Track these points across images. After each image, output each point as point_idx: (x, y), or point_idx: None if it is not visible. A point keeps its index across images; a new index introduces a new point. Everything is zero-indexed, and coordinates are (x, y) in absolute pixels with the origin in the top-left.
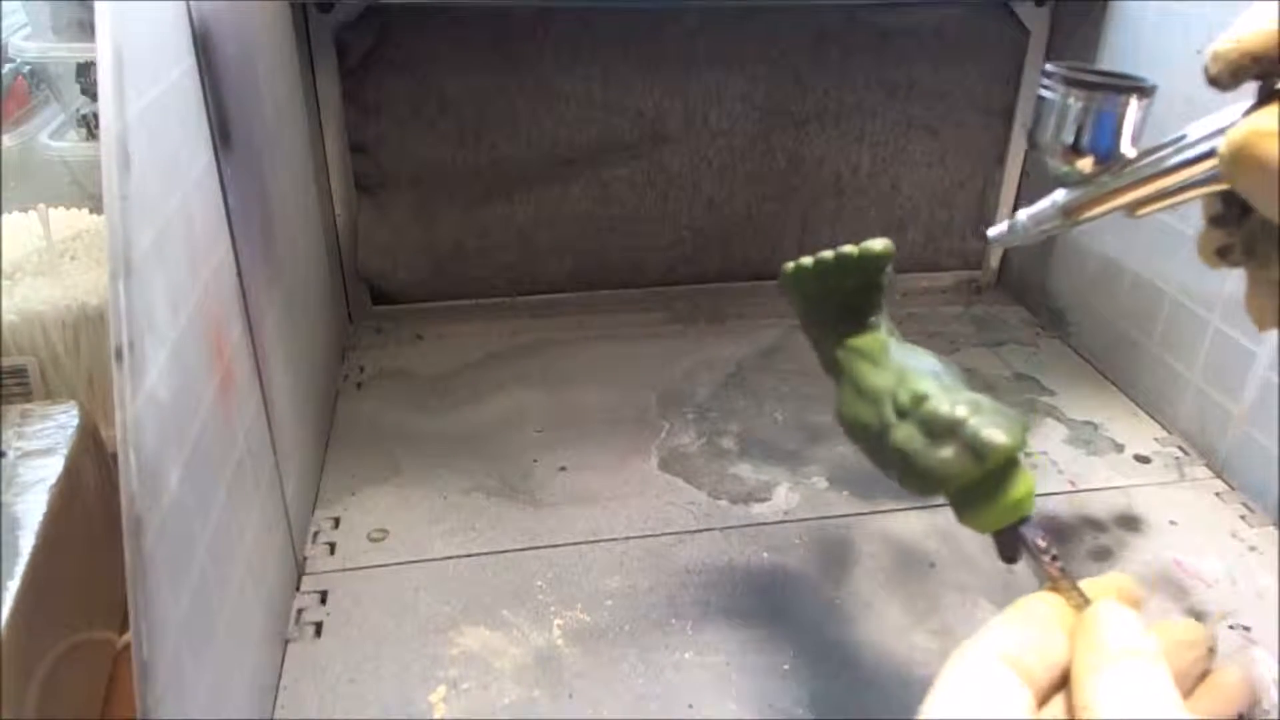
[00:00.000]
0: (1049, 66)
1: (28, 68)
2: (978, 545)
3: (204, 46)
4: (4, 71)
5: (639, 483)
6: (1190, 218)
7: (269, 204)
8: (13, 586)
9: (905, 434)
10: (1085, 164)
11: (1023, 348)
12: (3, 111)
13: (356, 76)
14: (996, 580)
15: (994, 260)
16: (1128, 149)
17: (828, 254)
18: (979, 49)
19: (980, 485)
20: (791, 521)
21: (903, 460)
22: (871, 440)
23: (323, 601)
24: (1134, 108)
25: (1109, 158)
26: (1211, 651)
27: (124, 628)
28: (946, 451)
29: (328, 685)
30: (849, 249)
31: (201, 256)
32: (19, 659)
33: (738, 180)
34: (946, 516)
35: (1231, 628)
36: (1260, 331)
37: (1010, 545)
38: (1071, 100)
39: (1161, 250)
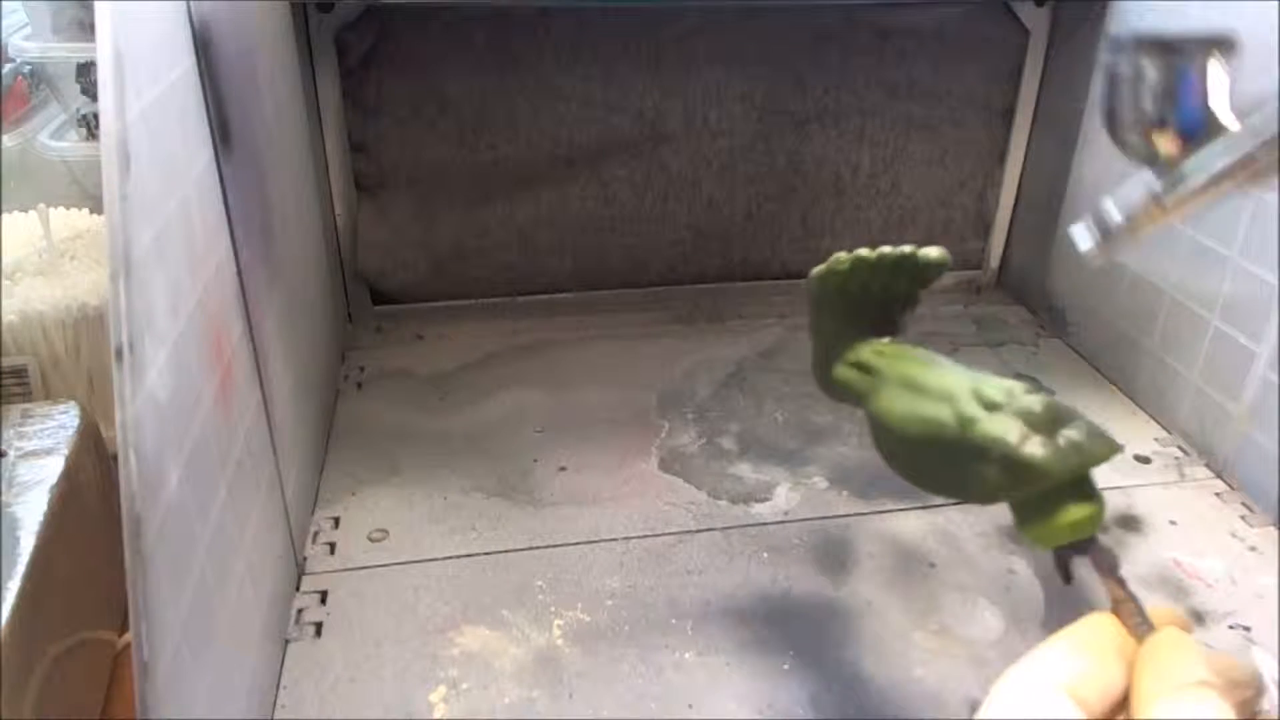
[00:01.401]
0: (1116, 34)
1: (28, 68)
2: (978, 545)
3: (204, 46)
4: (4, 71)
5: (639, 483)
6: (1190, 217)
7: (269, 204)
8: (13, 586)
9: (1002, 425)
10: (1172, 141)
11: (1023, 348)
12: (3, 111)
13: (356, 76)
14: (997, 580)
15: (994, 260)
16: (1225, 116)
17: (868, 254)
18: (979, 49)
19: (1057, 493)
20: (791, 521)
21: (1003, 451)
22: (945, 438)
23: (323, 601)
24: (1217, 67)
25: (1199, 129)
26: (1259, 694)
27: (124, 628)
28: (1050, 443)
29: (328, 685)
30: (899, 251)
31: (201, 256)
32: (19, 659)
33: (738, 180)
34: (947, 516)
35: (1231, 628)
36: None
37: (1067, 565)
38: (1147, 67)
39: (1161, 250)
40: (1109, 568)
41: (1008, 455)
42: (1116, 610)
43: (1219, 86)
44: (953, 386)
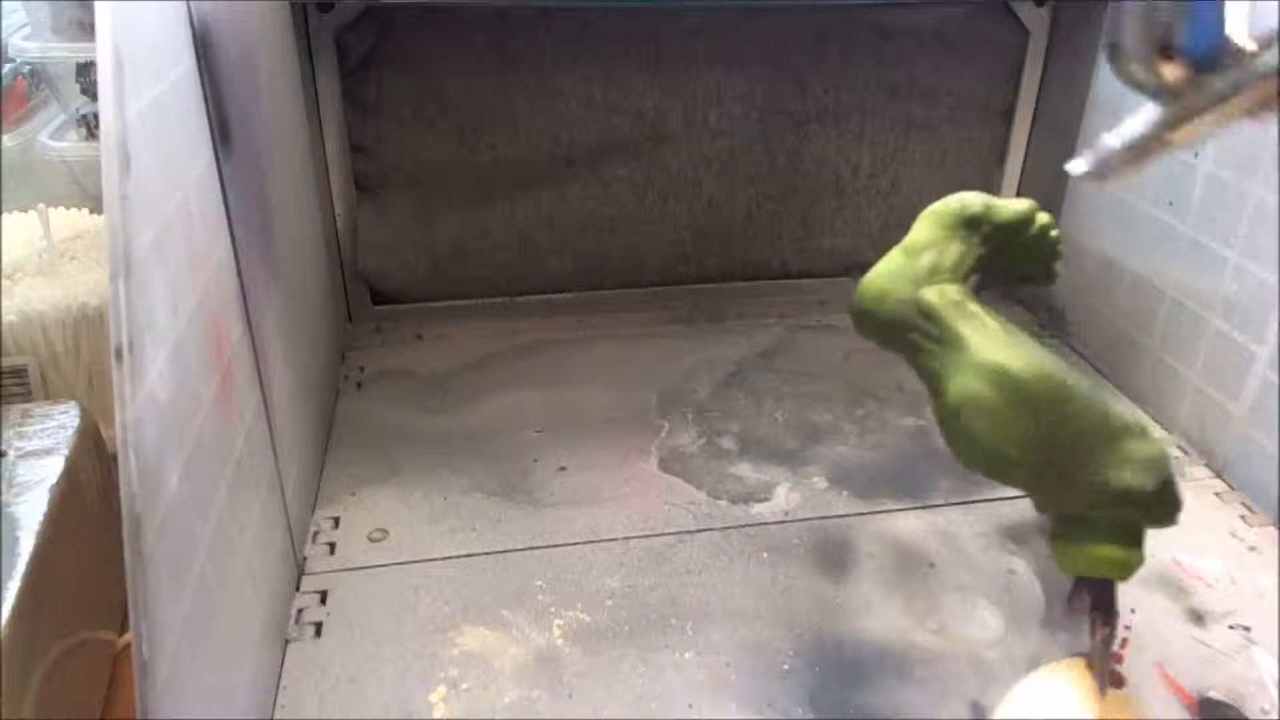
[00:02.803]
0: None
1: (28, 68)
2: (978, 545)
3: (204, 46)
4: (4, 71)
5: (639, 483)
6: (1191, 216)
7: (269, 204)
8: (13, 586)
9: (1158, 449)
10: (1179, 70)
11: None
12: (3, 111)
13: (356, 76)
14: (996, 580)
15: None
16: (1242, 39)
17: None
18: (979, 49)
19: (1118, 528)
20: (791, 521)
21: (1161, 472)
22: (1089, 434)
23: (323, 601)
24: None
25: (1211, 56)
26: None
27: (124, 628)
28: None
29: (328, 685)
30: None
31: (201, 256)
32: (19, 659)
33: (738, 180)
34: (946, 516)
35: (1231, 628)
36: None
37: (1081, 598)
38: None
39: (1161, 250)
40: (1107, 623)
41: (1164, 477)
42: (1089, 662)
43: (1237, 11)
44: (1095, 390)
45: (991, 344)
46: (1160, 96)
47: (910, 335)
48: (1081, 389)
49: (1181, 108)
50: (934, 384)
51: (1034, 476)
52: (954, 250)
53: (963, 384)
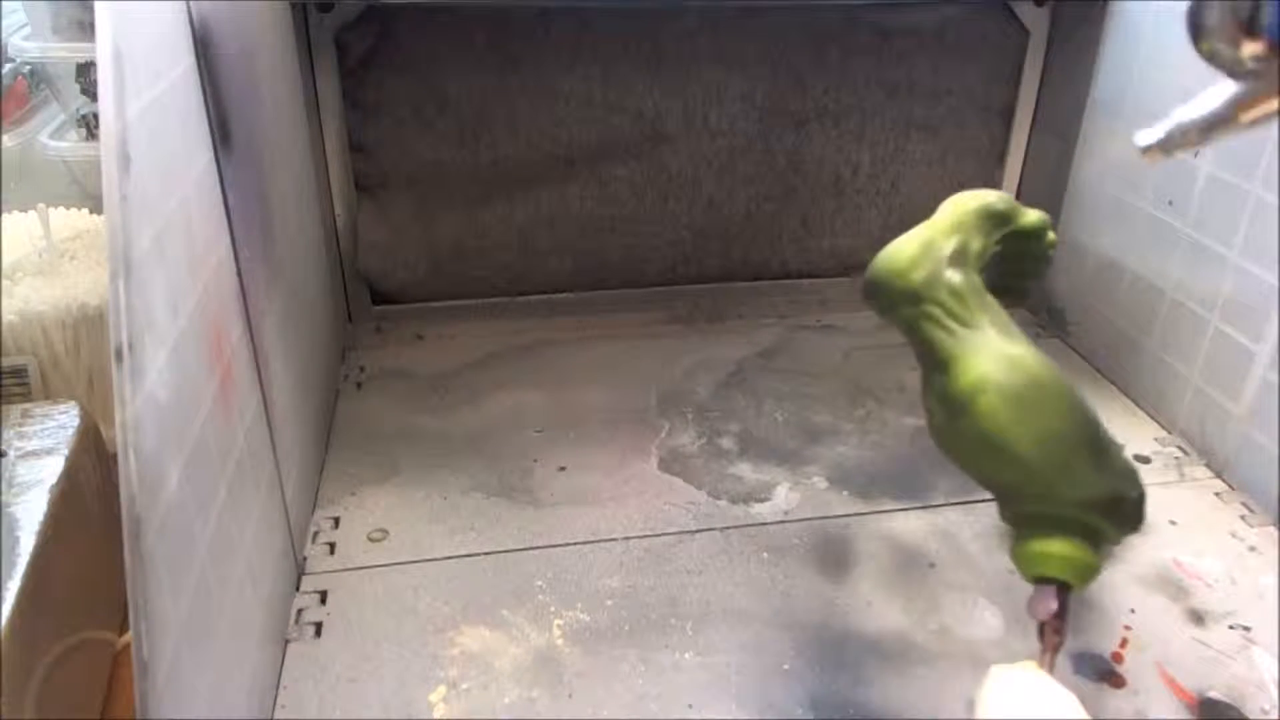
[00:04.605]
0: None
1: (28, 68)
2: (978, 545)
3: (204, 46)
4: (4, 71)
5: (639, 483)
6: (1191, 216)
7: (269, 204)
8: (13, 586)
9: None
10: (1260, 49)
11: None
12: (3, 111)
13: (356, 76)
14: (996, 580)
15: None
16: None
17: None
18: (979, 49)
19: (1082, 528)
20: (791, 521)
21: (1137, 486)
22: (1094, 440)
23: (323, 601)
24: None
25: None
26: None
27: (124, 628)
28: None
29: (328, 685)
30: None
31: (201, 256)
32: (19, 659)
33: (738, 180)
34: (946, 517)
35: (1231, 628)
36: None
37: (1044, 601)
38: None
39: (1161, 250)
40: (1059, 630)
41: (1142, 489)
42: (1042, 661)
43: None
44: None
45: (1010, 336)
46: (1238, 74)
47: (929, 309)
48: (1079, 395)
49: (1258, 87)
50: (944, 365)
51: (1030, 471)
52: (976, 242)
53: (982, 369)
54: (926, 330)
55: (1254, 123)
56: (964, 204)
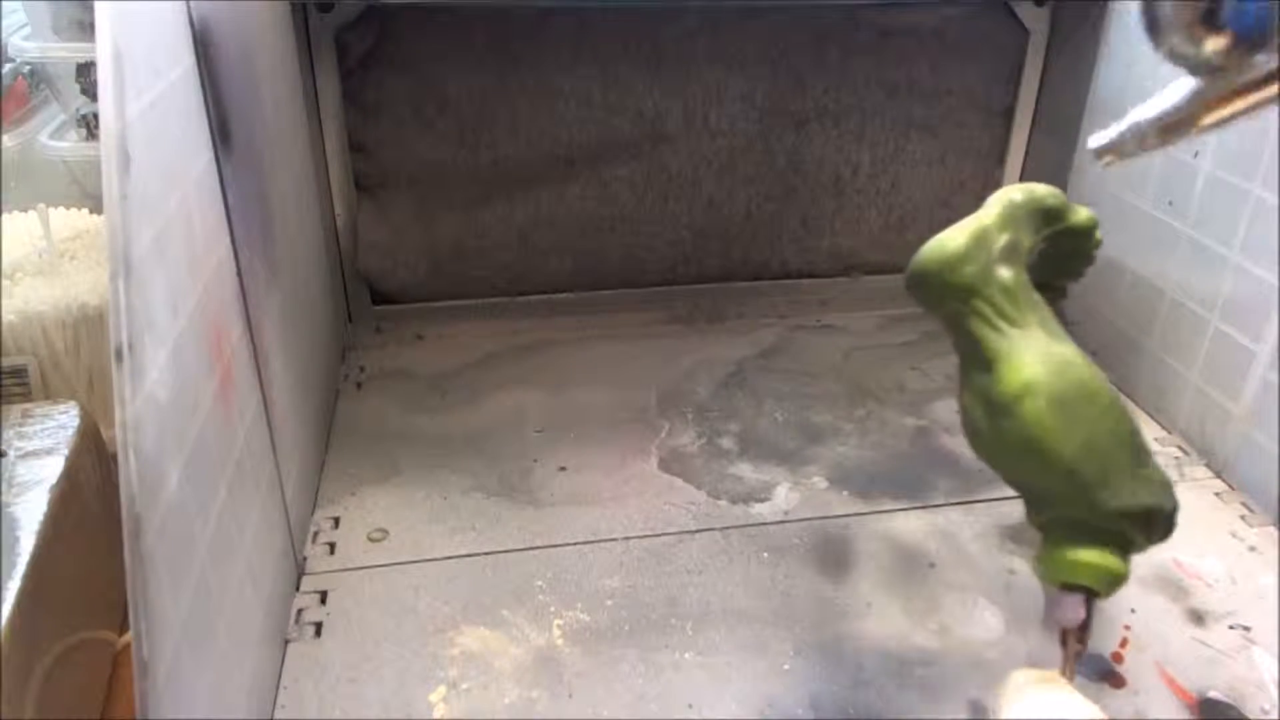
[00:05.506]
0: None
1: (28, 68)
2: (978, 545)
3: (204, 46)
4: (4, 71)
5: (639, 483)
6: (1191, 216)
7: (269, 204)
8: (13, 586)
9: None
10: (1223, 44)
11: None
12: (3, 111)
13: (356, 76)
14: (996, 580)
15: None
16: None
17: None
18: (979, 49)
19: (1109, 537)
20: (791, 521)
21: (1171, 498)
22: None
23: (323, 601)
24: None
25: (1259, 31)
26: None
27: (124, 628)
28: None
29: (328, 685)
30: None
31: (201, 256)
32: (19, 659)
33: (738, 180)
34: (947, 516)
35: (1231, 628)
36: None
37: (1073, 609)
38: None
39: (1161, 250)
40: (1082, 640)
41: (1175, 502)
42: (1064, 670)
43: None
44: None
45: (1058, 338)
46: (1200, 71)
47: (978, 305)
48: (1123, 403)
49: (1222, 84)
50: (989, 364)
51: (1070, 478)
52: (1026, 239)
53: (1031, 371)
54: (973, 327)
55: (1219, 123)
56: (1015, 198)
